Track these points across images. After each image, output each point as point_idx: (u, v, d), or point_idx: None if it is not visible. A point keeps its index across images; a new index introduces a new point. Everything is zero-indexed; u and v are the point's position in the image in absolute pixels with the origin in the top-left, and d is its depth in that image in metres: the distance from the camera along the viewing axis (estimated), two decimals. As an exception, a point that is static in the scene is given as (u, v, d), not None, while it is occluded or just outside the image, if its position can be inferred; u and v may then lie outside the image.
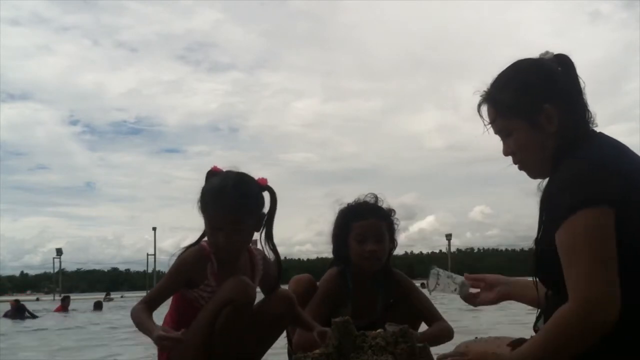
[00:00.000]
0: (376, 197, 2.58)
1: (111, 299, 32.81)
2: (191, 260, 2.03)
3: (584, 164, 1.41)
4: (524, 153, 1.58)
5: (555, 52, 1.59)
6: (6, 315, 16.24)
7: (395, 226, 2.59)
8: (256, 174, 2.13)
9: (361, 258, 2.47)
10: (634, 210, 1.36)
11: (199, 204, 2.06)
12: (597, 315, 1.29)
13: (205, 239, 2.10)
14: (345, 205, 2.60)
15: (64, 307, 19.46)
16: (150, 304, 1.95)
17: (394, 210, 2.60)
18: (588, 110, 1.55)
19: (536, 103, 1.51)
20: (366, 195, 2.59)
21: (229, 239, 2.00)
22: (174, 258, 2.06)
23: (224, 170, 2.13)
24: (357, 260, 2.49)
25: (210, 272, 2.04)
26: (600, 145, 1.47)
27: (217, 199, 2.00)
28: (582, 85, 1.56)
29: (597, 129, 1.54)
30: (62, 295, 19.91)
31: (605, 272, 1.31)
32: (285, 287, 2.39)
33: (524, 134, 1.55)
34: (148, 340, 1.88)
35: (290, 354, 2.55)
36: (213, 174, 2.11)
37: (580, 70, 1.59)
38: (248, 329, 2.02)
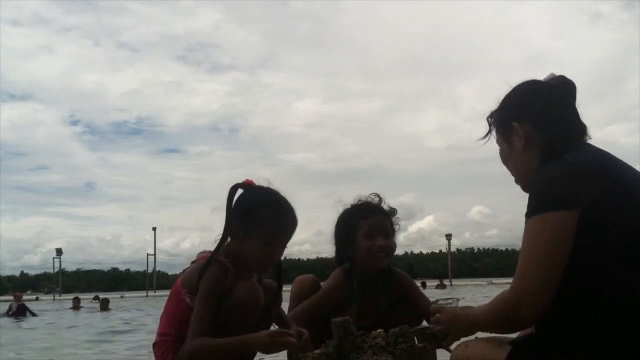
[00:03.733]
0: (379, 197, 2.62)
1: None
2: (219, 280, 2.00)
3: (556, 167, 1.51)
4: (506, 166, 1.77)
5: (558, 74, 1.70)
6: (8, 314, 16.36)
7: (397, 227, 2.62)
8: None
9: (370, 254, 2.48)
10: (606, 211, 1.42)
11: (248, 218, 2.02)
12: (519, 309, 1.44)
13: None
14: (350, 205, 2.62)
15: (75, 306, 21.08)
16: (203, 335, 1.91)
17: (396, 210, 2.63)
18: (576, 125, 1.65)
19: (507, 121, 1.70)
20: (369, 195, 2.63)
21: (280, 253, 2.07)
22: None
23: (258, 184, 2.11)
24: (365, 256, 2.49)
25: (230, 280, 2.03)
26: (582, 152, 1.56)
27: (286, 217, 2.05)
28: (575, 102, 1.67)
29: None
30: (74, 297, 22.19)
31: (539, 272, 1.43)
32: (287, 287, 2.37)
33: (503, 149, 1.76)
34: None
35: (289, 354, 2.54)
36: (252, 188, 2.08)
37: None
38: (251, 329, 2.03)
